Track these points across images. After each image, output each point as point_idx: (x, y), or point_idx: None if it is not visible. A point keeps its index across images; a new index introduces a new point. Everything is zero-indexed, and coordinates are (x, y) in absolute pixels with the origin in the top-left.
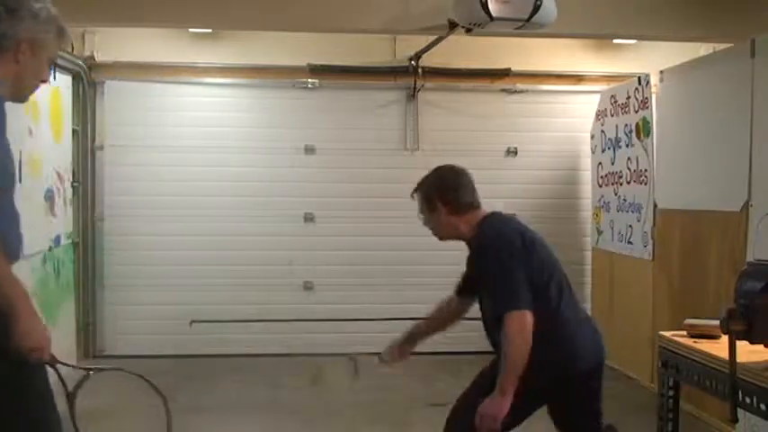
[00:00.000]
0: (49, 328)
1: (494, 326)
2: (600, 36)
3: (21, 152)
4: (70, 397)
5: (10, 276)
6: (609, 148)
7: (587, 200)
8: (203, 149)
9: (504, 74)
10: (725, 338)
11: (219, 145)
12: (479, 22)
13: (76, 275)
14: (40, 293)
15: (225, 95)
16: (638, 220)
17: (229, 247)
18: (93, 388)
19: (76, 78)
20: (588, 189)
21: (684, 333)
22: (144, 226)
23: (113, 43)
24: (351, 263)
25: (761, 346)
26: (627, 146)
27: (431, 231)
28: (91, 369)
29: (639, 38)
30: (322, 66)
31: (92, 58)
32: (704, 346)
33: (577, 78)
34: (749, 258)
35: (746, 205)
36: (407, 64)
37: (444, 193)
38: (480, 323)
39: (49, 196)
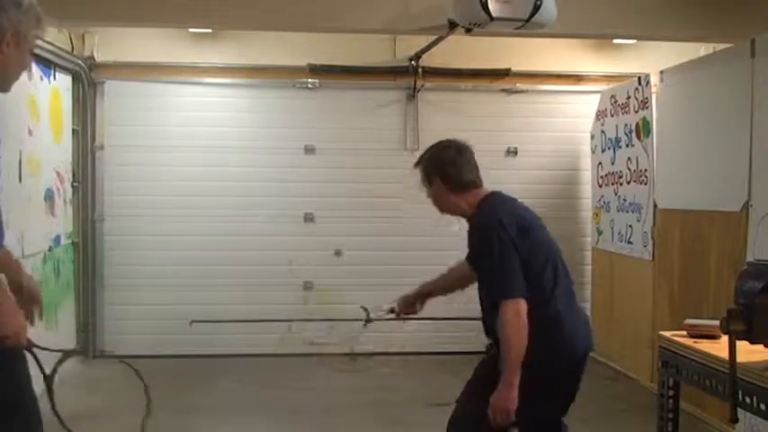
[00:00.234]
0: (48, 328)
1: (490, 312)
2: (600, 36)
3: (21, 152)
4: (47, 379)
5: None
6: (609, 148)
7: (587, 200)
8: (203, 149)
9: (504, 74)
10: (725, 338)
11: (219, 145)
12: (479, 22)
13: (76, 275)
14: None
15: (225, 95)
16: (638, 220)
17: (229, 247)
18: (84, 387)
19: (76, 78)
20: (588, 189)
21: (684, 333)
22: (144, 226)
23: (113, 43)
24: (351, 263)
25: (761, 346)
26: (627, 146)
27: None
28: (68, 351)
29: (639, 38)
30: (322, 66)
31: (92, 58)
32: (704, 346)
33: (577, 78)
34: (749, 258)
35: (746, 205)
36: (407, 64)
37: (444, 170)
38: (480, 323)
39: (49, 196)
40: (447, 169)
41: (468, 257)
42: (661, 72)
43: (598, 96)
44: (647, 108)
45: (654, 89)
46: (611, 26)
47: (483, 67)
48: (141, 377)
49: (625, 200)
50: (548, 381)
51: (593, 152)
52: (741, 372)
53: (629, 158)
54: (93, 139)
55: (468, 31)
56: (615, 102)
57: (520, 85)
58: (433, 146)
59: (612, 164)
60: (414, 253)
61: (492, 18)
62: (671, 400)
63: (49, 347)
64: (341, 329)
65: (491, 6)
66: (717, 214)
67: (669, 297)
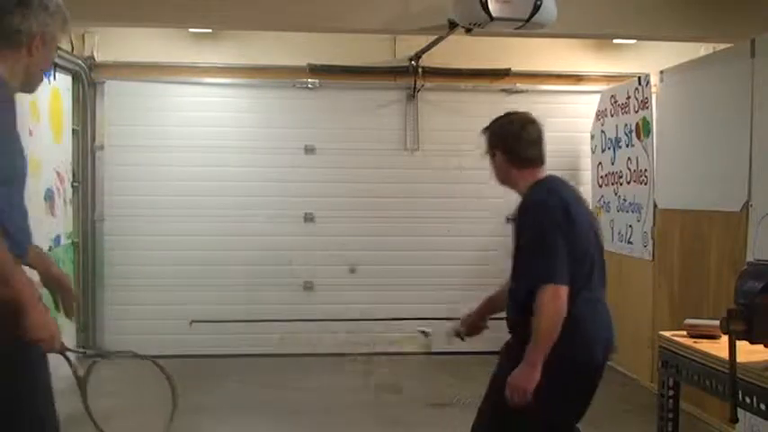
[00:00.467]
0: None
1: (515, 304)
2: (600, 36)
3: None
4: (81, 382)
5: (17, 270)
6: (609, 148)
7: (587, 200)
8: (203, 149)
9: (504, 74)
10: (725, 338)
11: (219, 145)
12: (479, 22)
13: (76, 275)
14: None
15: (225, 95)
16: (638, 220)
17: (229, 247)
18: (102, 386)
19: (76, 78)
20: (588, 189)
21: (684, 333)
22: (144, 226)
23: (113, 43)
24: (351, 263)
25: (761, 346)
26: (627, 146)
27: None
28: (101, 355)
29: (639, 38)
30: (322, 66)
31: (92, 58)
32: (704, 346)
33: (577, 78)
34: (749, 258)
35: (746, 205)
36: (407, 64)
37: (506, 142)
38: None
39: (49, 196)
40: (509, 142)
41: (515, 240)
42: (661, 72)
43: (598, 96)
44: (647, 108)
45: (654, 89)
46: (611, 26)
47: (483, 67)
48: (164, 370)
49: (625, 200)
50: (564, 382)
51: (593, 152)
52: (741, 372)
53: (629, 158)
54: (93, 139)
55: (468, 31)
56: (615, 102)
57: (520, 85)
58: (500, 116)
59: (612, 164)
60: (414, 253)
61: (492, 18)
62: (671, 400)
63: (82, 350)
64: (341, 329)
65: (491, 6)
66: (717, 214)
67: (669, 297)
